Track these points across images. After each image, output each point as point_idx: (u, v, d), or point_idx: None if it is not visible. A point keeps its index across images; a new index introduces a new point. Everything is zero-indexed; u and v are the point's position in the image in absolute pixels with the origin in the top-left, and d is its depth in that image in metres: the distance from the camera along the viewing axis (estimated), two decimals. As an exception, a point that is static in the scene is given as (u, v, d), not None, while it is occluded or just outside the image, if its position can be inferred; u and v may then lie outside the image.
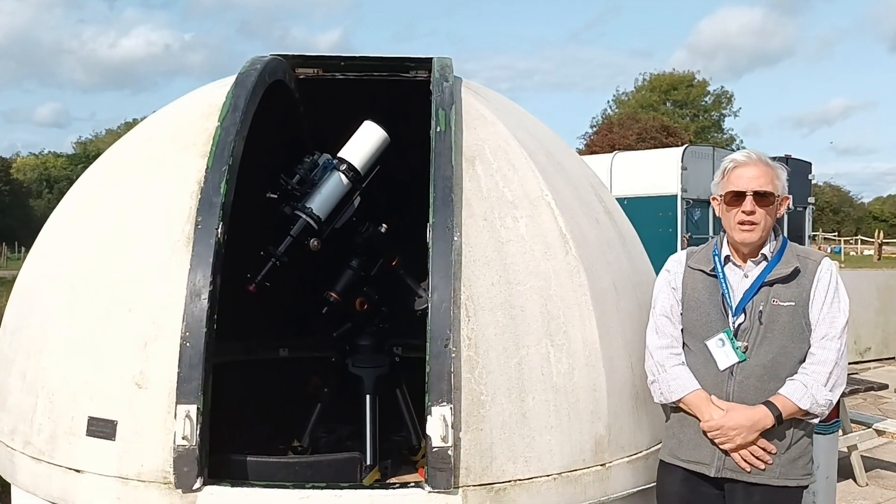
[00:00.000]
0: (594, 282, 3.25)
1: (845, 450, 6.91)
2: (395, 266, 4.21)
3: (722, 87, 66.21)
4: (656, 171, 14.57)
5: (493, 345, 2.97)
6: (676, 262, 3.26)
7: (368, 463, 3.97)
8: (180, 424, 2.80)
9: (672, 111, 56.03)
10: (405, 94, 4.12)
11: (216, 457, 2.97)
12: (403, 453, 4.34)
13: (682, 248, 14.48)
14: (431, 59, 3.98)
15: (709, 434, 3.01)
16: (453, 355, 2.87)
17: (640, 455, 3.28)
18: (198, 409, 2.81)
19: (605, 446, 3.13)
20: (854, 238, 59.12)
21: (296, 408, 4.42)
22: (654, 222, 13.69)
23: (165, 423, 2.87)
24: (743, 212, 3.02)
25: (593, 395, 3.11)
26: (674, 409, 3.16)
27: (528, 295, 3.08)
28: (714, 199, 3.20)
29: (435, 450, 2.82)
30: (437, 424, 2.81)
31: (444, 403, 2.82)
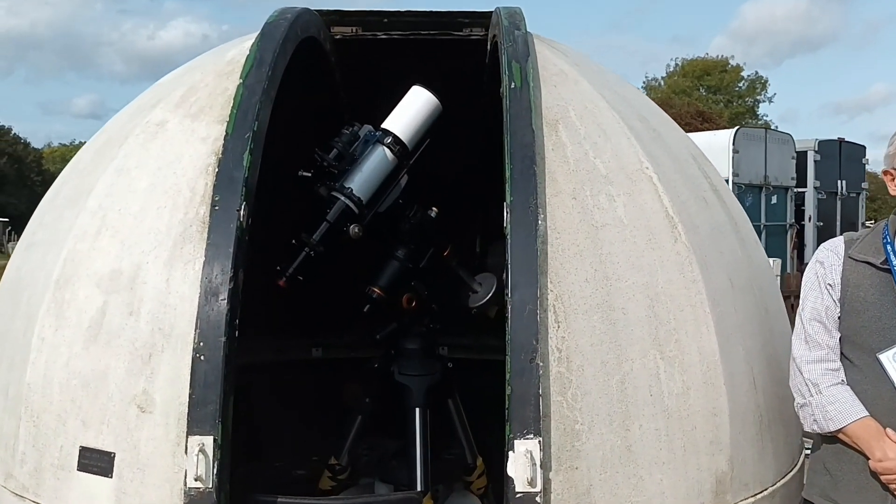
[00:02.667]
0: (709, 276, 2.61)
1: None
2: (447, 257, 3.61)
3: (756, 72, 64.92)
4: (705, 155, 13.78)
5: (588, 358, 2.34)
6: (832, 251, 2.58)
7: (419, 489, 3.40)
8: (192, 461, 2.21)
9: (706, 97, 54.99)
10: (458, 56, 3.62)
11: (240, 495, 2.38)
12: (459, 474, 3.75)
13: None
14: (490, 12, 3.38)
15: (882, 477, 2.34)
16: (541, 372, 2.24)
17: (765, 494, 2.66)
18: (215, 440, 2.22)
19: (727, 485, 2.49)
20: (893, 226, 57.99)
21: (332, 416, 3.89)
22: (702, 209, 12.94)
23: (174, 457, 2.29)
24: None
25: (713, 421, 2.48)
26: (827, 438, 2.49)
27: (631, 293, 2.46)
28: (887, 172, 2.52)
29: (519, 496, 2.19)
30: (521, 463, 2.18)
31: (531, 436, 2.20)
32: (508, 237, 2.38)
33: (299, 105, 3.58)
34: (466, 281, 3.52)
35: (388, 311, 3.60)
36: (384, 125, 3.32)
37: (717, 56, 59.39)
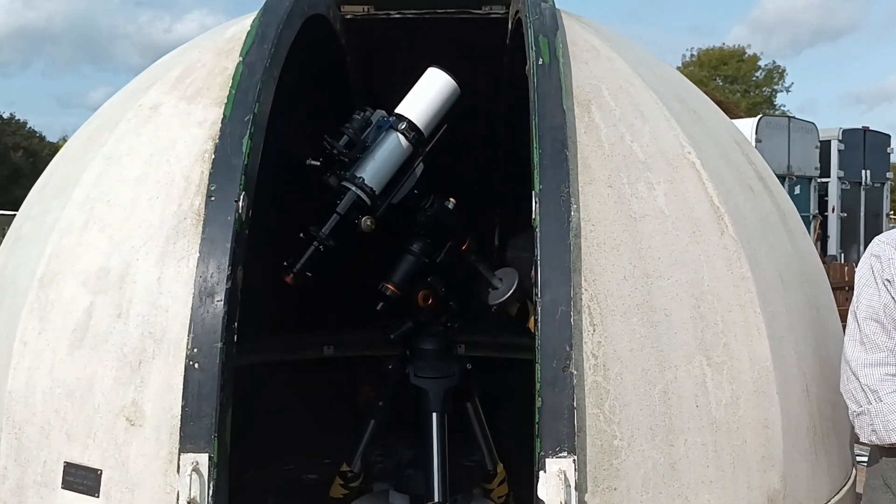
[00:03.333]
0: (759, 273, 2.38)
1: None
2: (466, 250, 3.40)
3: (773, 61, 64.41)
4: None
5: (628, 365, 2.12)
6: (888, 244, 2.35)
7: (436, 499, 3.20)
8: (185, 481, 1.99)
9: (722, 87, 54.56)
10: (477, 36, 3.46)
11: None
12: (478, 482, 3.56)
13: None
14: None
15: None
16: (575, 382, 2.00)
17: (820, 513, 2.40)
18: (210, 458, 2.01)
19: (780, 505, 2.25)
20: (911, 216, 57.50)
21: (345, 418, 3.74)
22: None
23: (166, 476, 2.08)
24: None
25: (765, 434, 2.25)
26: (888, 450, 2.26)
27: (674, 292, 2.23)
28: None
29: (552, 521, 1.95)
30: (553, 484, 1.95)
31: (564, 453, 1.97)
32: (537, 230, 2.14)
33: (307, 89, 3.37)
34: (486, 276, 3.32)
35: (404, 309, 3.40)
36: (398, 110, 3.11)
37: (735, 46, 58.88)
